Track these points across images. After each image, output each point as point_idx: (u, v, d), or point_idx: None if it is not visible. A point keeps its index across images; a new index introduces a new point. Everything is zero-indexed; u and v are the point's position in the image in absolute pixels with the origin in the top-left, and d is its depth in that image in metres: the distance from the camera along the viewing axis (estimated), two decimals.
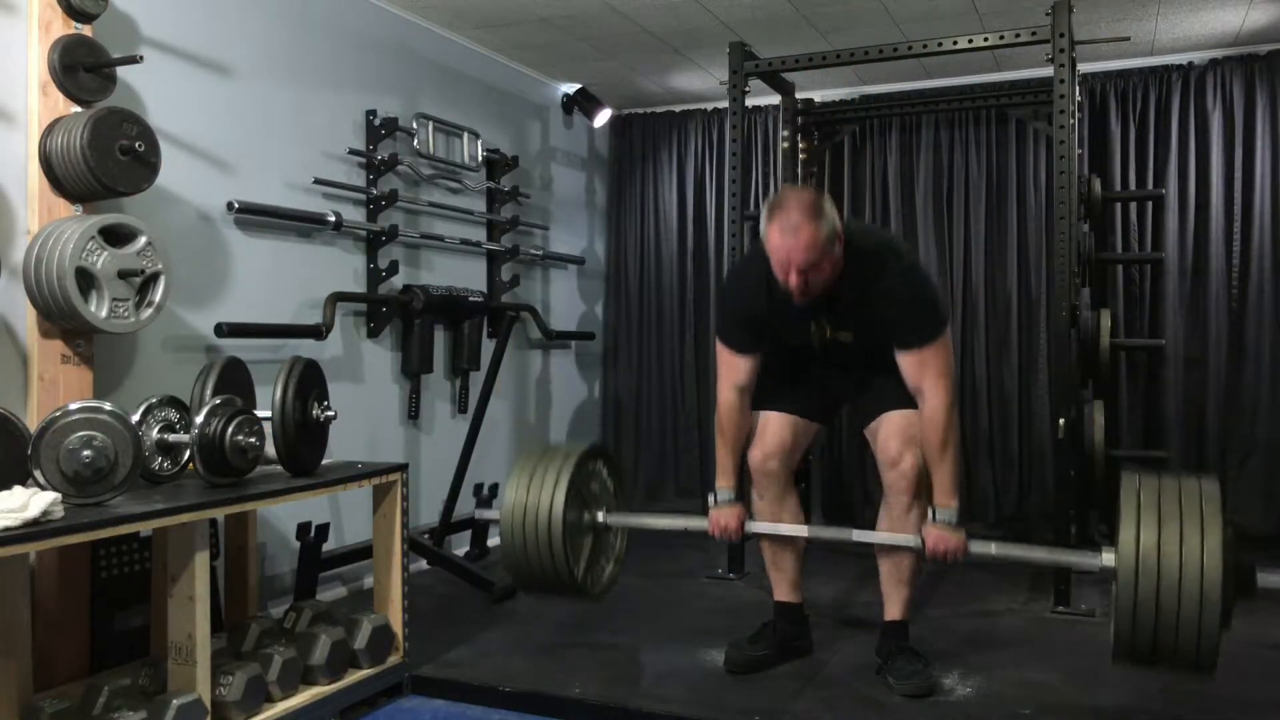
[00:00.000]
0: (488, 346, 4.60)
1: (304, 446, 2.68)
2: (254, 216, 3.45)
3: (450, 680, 2.93)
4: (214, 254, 3.34)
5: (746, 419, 2.94)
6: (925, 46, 3.80)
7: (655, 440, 5.73)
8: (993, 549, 2.67)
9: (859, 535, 2.84)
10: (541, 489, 2.99)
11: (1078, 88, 4.27)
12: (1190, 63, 4.70)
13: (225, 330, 3.26)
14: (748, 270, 2.83)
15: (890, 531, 2.84)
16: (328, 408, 2.75)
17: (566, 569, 2.96)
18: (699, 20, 4.28)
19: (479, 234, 4.72)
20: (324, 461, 2.81)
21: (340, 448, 3.02)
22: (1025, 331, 4.95)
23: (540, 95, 5.27)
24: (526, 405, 5.17)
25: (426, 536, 4.06)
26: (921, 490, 2.77)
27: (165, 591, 2.36)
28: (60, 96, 2.69)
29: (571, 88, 5.38)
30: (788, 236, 2.52)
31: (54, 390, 2.65)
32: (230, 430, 2.44)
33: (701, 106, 5.65)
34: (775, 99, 4.92)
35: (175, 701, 2.23)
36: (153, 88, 3.08)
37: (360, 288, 3.97)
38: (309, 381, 2.70)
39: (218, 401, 2.48)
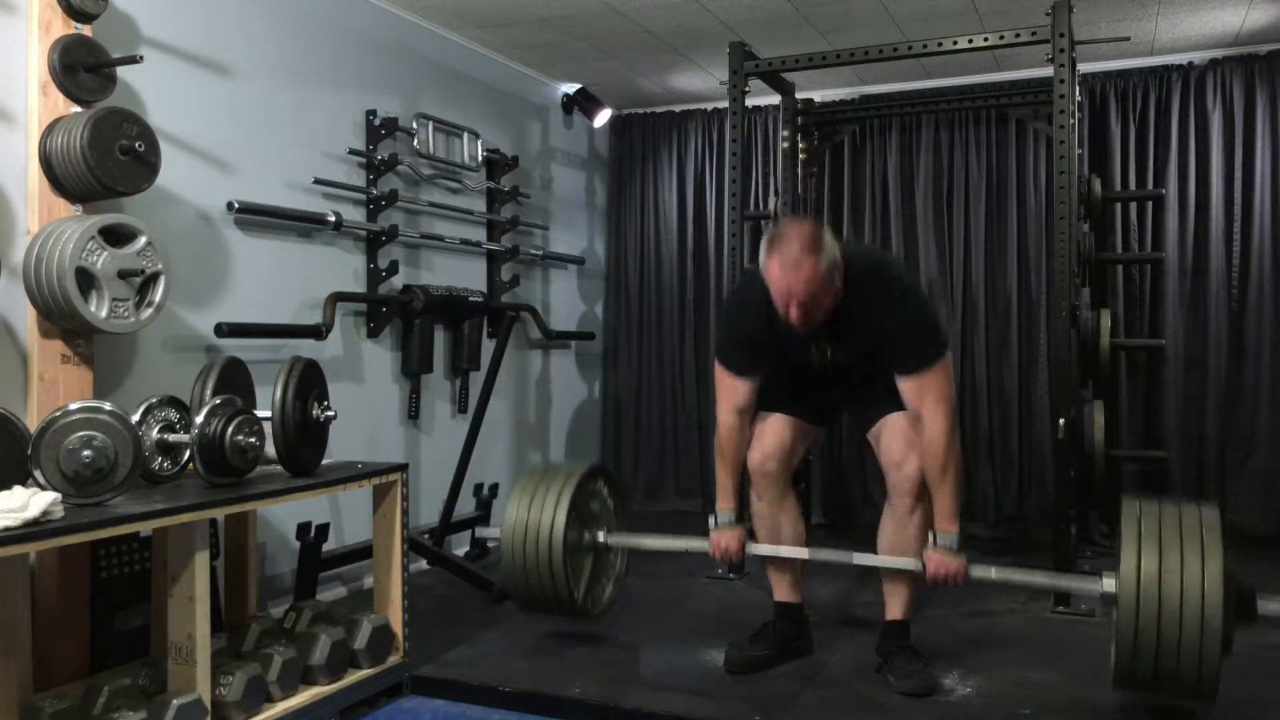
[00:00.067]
0: (488, 346, 4.60)
1: (304, 446, 2.68)
2: (254, 216, 3.45)
3: (450, 680, 2.93)
4: (214, 254, 3.34)
5: (746, 441, 2.95)
6: (925, 46, 3.80)
7: (655, 440, 5.73)
8: (993, 573, 2.73)
9: (859, 559, 2.88)
10: (543, 509, 3.03)
11: (1078, 88, 4.27)
12: (1190, 63, 4.70)
13: (225, 330, 3.26)
14: (747, 295, 2.81)
15: (894, 534, 2.86)
16: (328, 408, 2.75)
17: (566, 589, 3.00)
18: (699, 20, 4.28)
19: (479, 234, 4.72)
20: (324, 461, 2.81)
21: (340, 448, 3.02)
22: (1025, 331, 4.95)
23: (540, 95, 5.27)
24: (526, 405, 5.17)
25: (426, 536, 4.06)
26: (925, 493, 2.77)
27: (165, 591, 2.35)
28: (60, 96, 2.69)
29: (571, 88, 5.38)
30: (789, 272, 2.53)
31: (54, 390, 2.65)
32: (230, 430, 2.44)
33: (701, 106, 5.65)
34: (775, 99, 4.92)
35: (175, 701, 2.23)
36: (153, 88, 3.08)
37: (360, 288, 3.97)
38: (309, 381, 2.70)
39: (218, 401, 2.48)
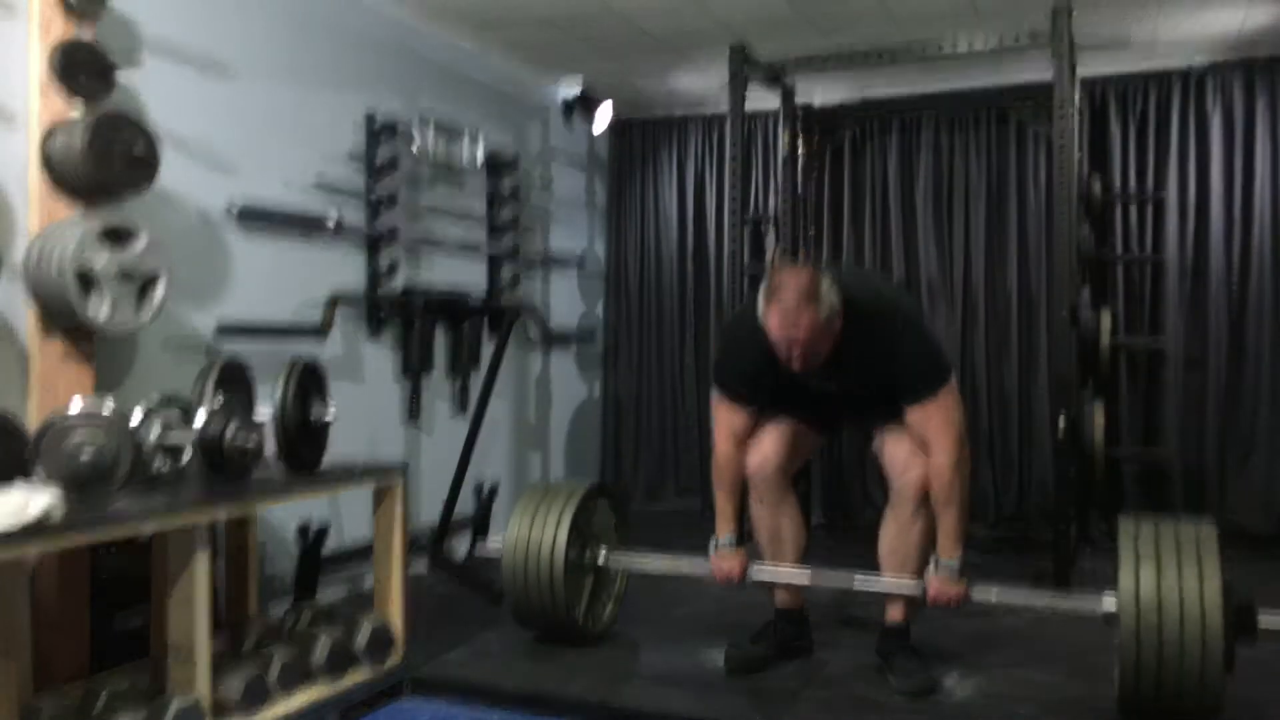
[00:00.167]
0: (488, 346, 4.60)
1: (304, 446, 2.68)
2: (254, 217, 3.44)
3: (450, 680, 2.93)
4: (214, 254, 3.34)
5: (744, 467, 2.95)
6: (925, 49, 3.80)
7: (655, 440, 5.73)
8: (994, 596, 2.77)
9: (860, 583, 2.90)
10: (544, 528, 3.06)
11: (1078, 90, 4.27)
12: (1190, 66, 4.70)
13: (225, 330, 3.26)
14: (745, 331, 2.78)
15: (896, 538, 2.86)
16: (328, 408, 2.74)
17: (566, 608, 3.01)
18: (699, 22, 4.28)
19: (479, 235, 4.72)
20: (324, 461, 2.81)
21: (340, 448, 3.02)
22: (1025, 331, 4.95)
23: (540, 96, 5.27)
24: (526, 405, 5.17)
25: (427, 536, 4.06)
26: (928, 498, 2.78)
27: (165, 591, 2.36)
28: (60, 97, 2.69)
29: (572, 91, 5.37)
30: (788, 325, 2.54)
31: (54, 390, 2.64)
32: (230, 430, 2.44)
33: (701, 111, 5.65)
34: (775, 103, 4.92)
35: (175, 702, 2.23)
36: (153, 88, 3.08)
37: (360, 288, 3.96)
38: (309, 382, 2.71)
39: (218, 401, 2.48)
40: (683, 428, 5.67)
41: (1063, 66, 3.55)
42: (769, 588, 3.08)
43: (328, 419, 2.74)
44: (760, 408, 2.94)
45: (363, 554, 3.63)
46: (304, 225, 3.66)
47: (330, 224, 3.73)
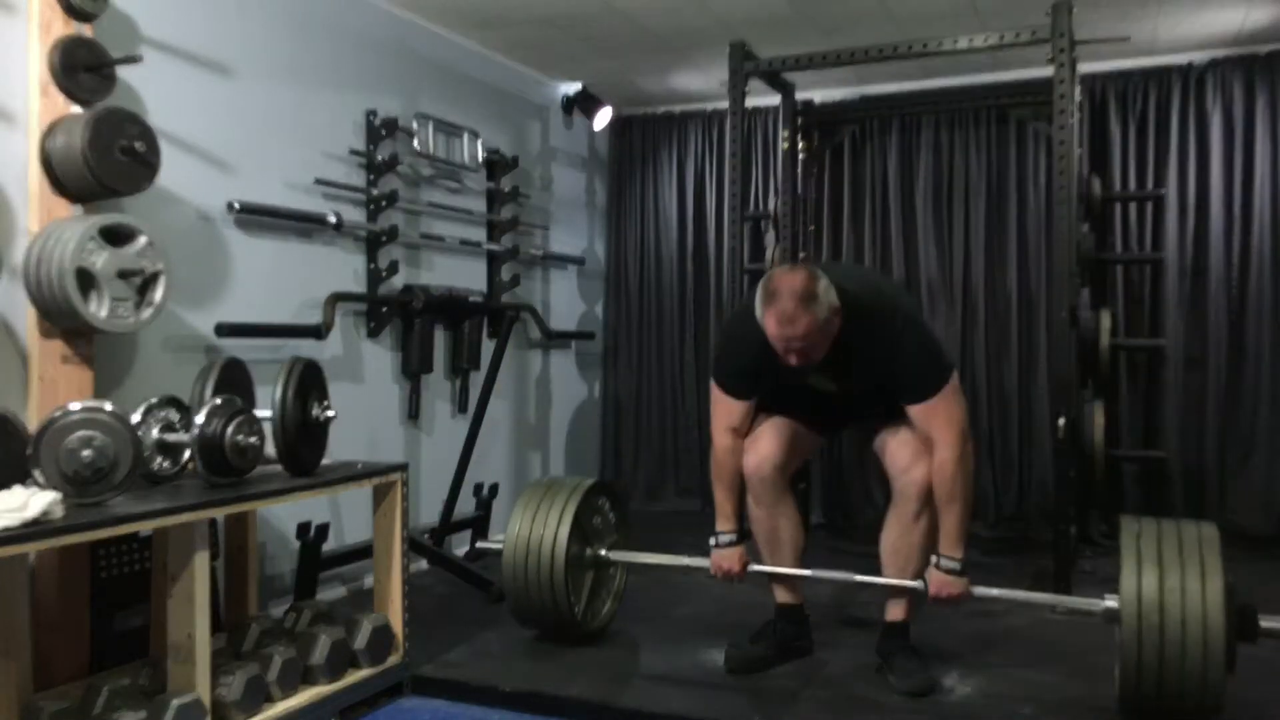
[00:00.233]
0: (488, 346, 4.60)
1: (304, 446, 2.68)
2: (254, 216, 3.45)
3: (450, 680, 2.93)
4: (214, 254, 3.34)
5: (742, 465, 2.95)
6: (925, 47, 3.80)
7: (655, 440, 5.73)
8: (995, 593, 2.76)
9: (861, 578, 2.90)
10: (545, 524, 3.06)
11: (1078, 88, 4.27)
12: (1190, 63, 4.70)
13: (225, 330, 3.25)
14: (743, 330, 2.77)
15: (898, 537, 2.86)
16: (328, 408, 2.75)
17: (567, 604, 3.02)
18: (699, 20, 4.28)
19: (479, 234, 4.72)
20: (324, 461, 2.81)
21: (340, 448, 3.02)
22: (1025, 331, 4.95)
23: (540, 95, 5.27)
24: (526, 405, 5.17)
25: (426, 536, 4.06)
26: (931, 497, 2.77)
27: (165, 591, 2.35)
28: (60, 97, 2.69)
29: (572, 88, 5.38)
30: (785, 327, 2.54)
31: (54, 390, 2.64)
32: (230, 430, 2.44)
33: (701, 107, 5.65)
34: (775, 100, 4.92)
35: (175, 701, 2.23)
36: (153, 88, 3.08)
37: (360, 288, 3.97)
38: (309, 381, 2.70)
39: (218, 401, 2.48)
40: (683, 427, 5.67)
41: (1063, 64, 3.54)
42: (769, 587, 3.08)
43: (330, 414, 2.74)
44: (758, 403, 2.93)
45: (363, 554, 3.63)
46: (304, 225, 3.66)
47: (330, 224, 3.73)
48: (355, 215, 3.92)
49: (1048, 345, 4.75)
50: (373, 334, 4.05)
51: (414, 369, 4.22)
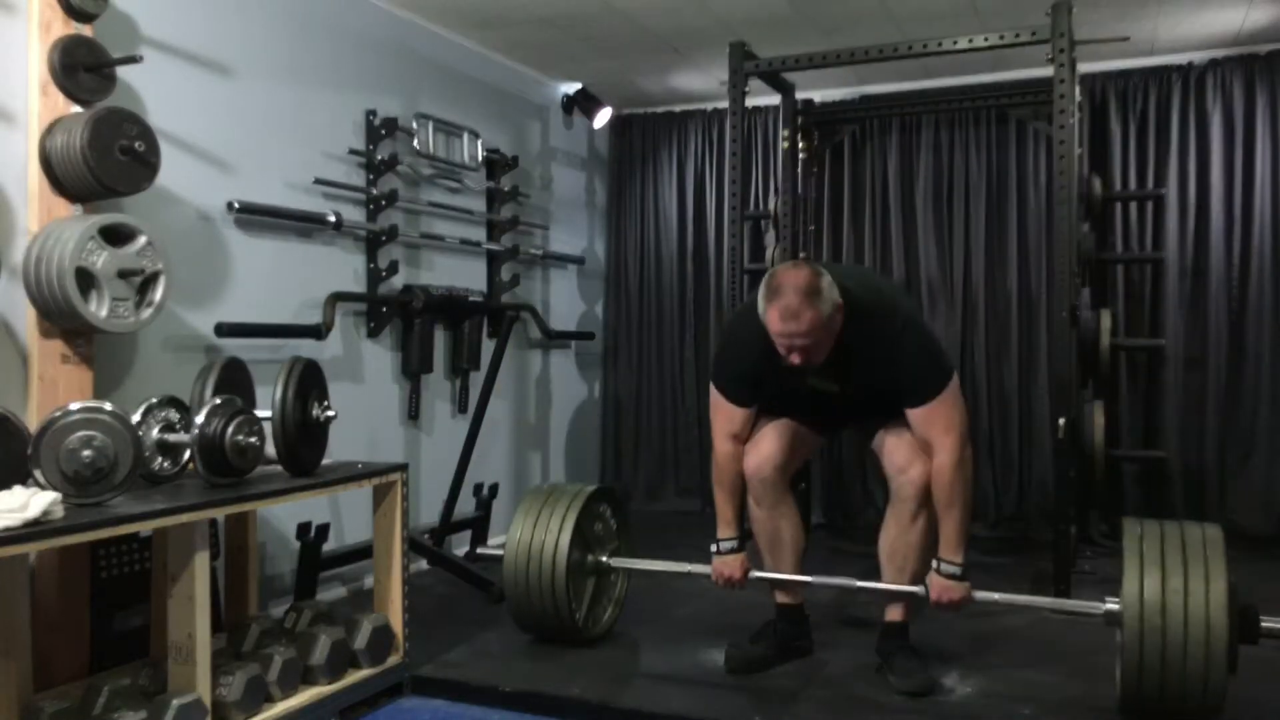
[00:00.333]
0: (488, 346, 4.60)
1: (304, 446, 2.68)
2: (254, 216, 3.45)
3: (450, 680, 2.93)
4: (214, 254, 3.34)
5: (743, 468, 2.94)
6: (925, 46, 3.80)
7: (655, 440, 5.73)
8: (996, 597, 2.76)
9: (862, 584, 2.90)
10: (547, 530, 3.06)
11: (1078, 88, 4.27)
12: (1190, 63, 4.70)
13: (225, 330, 3.25)
14: (744, 331, 2.77)
15: (897, 538, 2.85)
16: (328, 408, 2.74)
17: (568, 610, 3.03)
18: (699, 20, 4.28)
19: (479, 234, 4.72)
20: (324, 461, 2.81)
21: (340, 448, 3.02)
22: (1025, 331, 4.95)
23: (540, 95, 5.27)
24: (526, 405, 5.17)
25: (426, 536, 4.06)
26: (930, 498, 2.77)
27: (165, 591, 2.35)
28: (60, 96, 2.69)
29: (572, 88, 5.39)
30: (788, 323, 2.52)
31: (54, 390, 2.64)
32: (230, 430, 2.44)
33: (701, 107, 5.65)
34: (775, 99, 4.92)
35: (175, 701, 2.23)
36: (153, 88, 3.08)
37: (360, 288, 3.97)
38: (309, 381, 2.70)
39: (218, 401, 2.48)
40: (683, 427, 5.67)
41: (1063, 64, 3.54)
42: (769, 587, 3.08)
43: (330, 414, 2.74)
44: (759, 408, 2.94)
45: (363, 554, 3.63)
46: (304, 224, 3.66)
47: (330, 223, 3.73)
48: (355, 215, 3.92)
49: (1048, 345, 4.76)
50: (373, 334, 4.05)
51: (414, 369, 4.22)
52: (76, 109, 2.70)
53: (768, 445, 2.93)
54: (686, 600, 3.69)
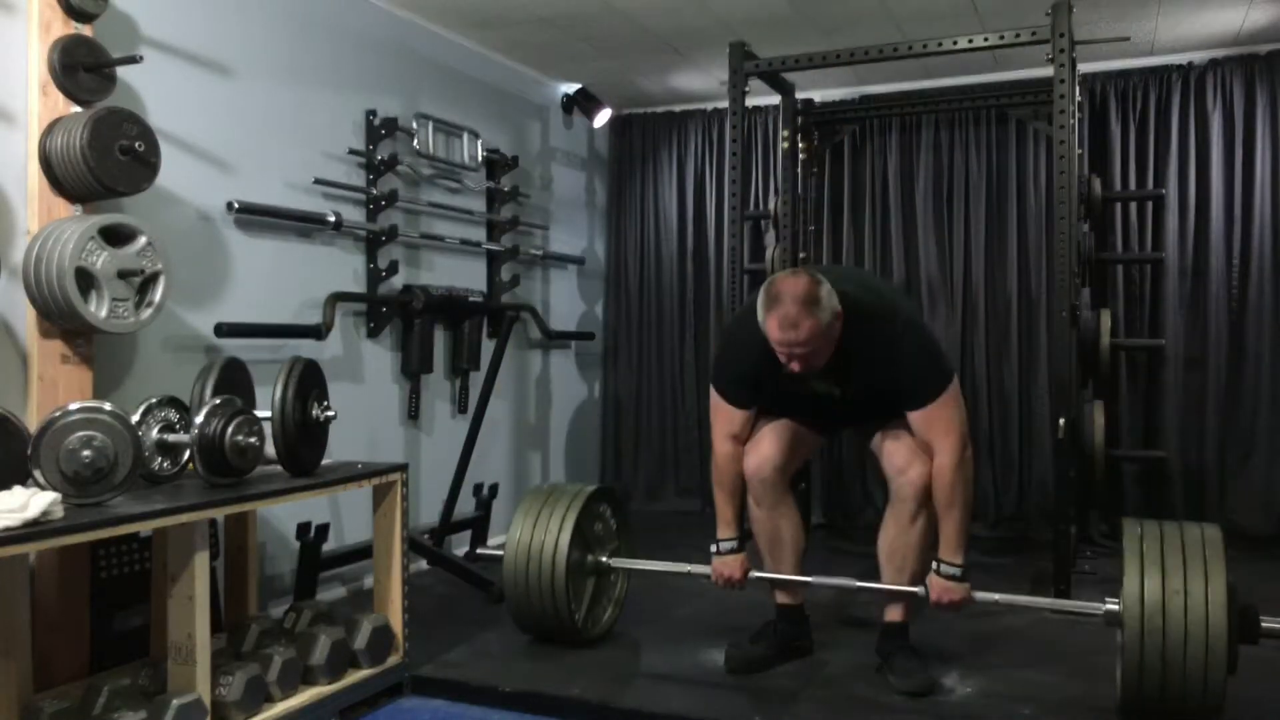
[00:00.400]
0: (488, 346, 4.60)
1: (304, 446, 2.68)
2: (254, 216, 3.45)
3: (450, 680, 2.93)
4: (214, 254, 3.34)
5: (743, 470, 2.94)
6: (925, 46, 3.80)
7: (655, 440, 5.73)
8: (996, 598, 2.76)
9: (862, 584, 2.91)
10: (546, 530, 3.06)
11: (1078, 88, 4.27)
12: (1190, 63, 4.70)
13: (225, 330, 3.25)
14: (744, 335, 2.78)
15: (895, 538, 2.85)
16: (328, 408, 2.74)
17: (568, 611, 3.02)
18: (699, 20, 4.28)
19: (479, 234, 4.72)
20: (324, 461, 2.81)
21: (340, 448, 3.02)
22: (1025, 331, 4.95)
23: (540, 95, 5.27)
24: (526, 405, 5.17)
25: (426, 536, 4.06)
26: (929, 498, 2.77)
27: (165, 591, 2.35)
28: (60, 96, 2.69)
29: (571, 88, 5.39)
30: (788, 331, 2.53)
31: (54, 390, 2.64)
32: (230, 430, 2.44)
33: (701, 107, 5.65)
34: (775, 99, 4.92)
35: (175, 701, 2.23)
36: (153, 88, 3.08)
37: (360, 288, 3.97)
38: (309, 381, 2.70)
39: (218, 401, 2.48)
40: (683, 428, 5.67)
41: (1062, 64, 3.54)
42: (770, 587, 3.08)
43: (330, 414, 2.74)
44: (759, 409, 2.94)
45: (363, 554, 3.63)
46: (304, 224, 3.66)
47: (330, 223, 3.73)
48: (355, 215, 3.92)
49: (1048, 345, 4.75)
50: (373, 334, 4.05)
51: (414, 369, 4.22)
52: (76, 109, 2.70)
53: (767, 446, 2.93)
54: (686, 600, 3.69)
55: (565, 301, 5.52)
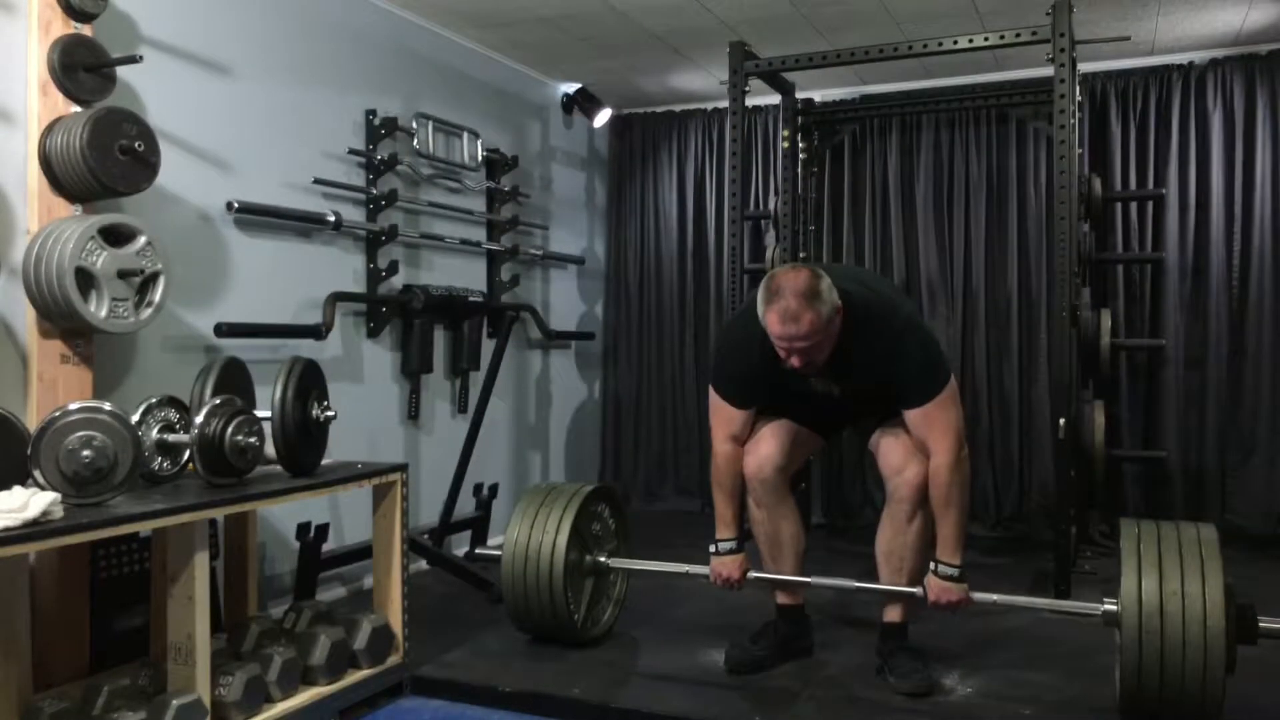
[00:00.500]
0: (488, 346, 4.60)
1: (304, 446, 2.68)
2: (254, 216, 3.45)
3: (450, 680, 2.93)
4: (214, 254, 3.34)
5: (742, 470, 2.94)
6: (925, 46, 3.80)
7: (655, 440, 5.73)
8: (994, 599, 2.75)
9: (860, 585, 2.91)
10: (544, 531, 3.06)
11: (1078, 87, 4.27)
12: (1190, 62, 4.70)
13: (225, 330, 3.25)
14: (743, 332, 2.77)
15: (892, 538, 2.85)
16: (328, 408, 2.74)
17: (566, 611, 3.03)
18: (699, 20, 4.28)
19: (479, 234, 4.72)
20: (324, 461, 2.81)
21: (340, 448, 3.02)
22: (1025, 331, 4.95)
23: (540, 95, 5.27)
24: (526, 405, 5.17)
25: (426, 536, 4.06)
26: (926, 498, 2.77)
27: (165, 591, 2.35)
28: (60, 96, 2.69)
29: (571, 88, 5.38)
30: (788, 325, 2.52)
31: (54, 390, 2.64)
32: (230, 430, 2.44)
33: (701, 106, 5.65)
34: (775, 99, 4.92)
35: (175, 702, 2.23)
36: (153, 88, 3.08)
37: (360, 288, 3.96)
38: (309, 381, 2.70)
39: (218, 401, 2.48)
40: (682, 428, 5.67)
41: (1063, 63, 3.54)
42: (770, 587, 3.08)
43: (330, 414, 2.74)
44: (758, 409, 2.93)
45: (363, 554, 3.63)
46: (303, 224, 3.66)
47: (329, 223, 3.73)
48: (355, 215, 3.92)
49: (1048, 345, 4.75)
50: (373, 334, 4.04)
51: (414, 369, 4.22)
52: (76, 109, 2.70)
53: (767, 446, 2.92)
54: (686, 600, 3.69)
55: (565, 301, 5.52)
